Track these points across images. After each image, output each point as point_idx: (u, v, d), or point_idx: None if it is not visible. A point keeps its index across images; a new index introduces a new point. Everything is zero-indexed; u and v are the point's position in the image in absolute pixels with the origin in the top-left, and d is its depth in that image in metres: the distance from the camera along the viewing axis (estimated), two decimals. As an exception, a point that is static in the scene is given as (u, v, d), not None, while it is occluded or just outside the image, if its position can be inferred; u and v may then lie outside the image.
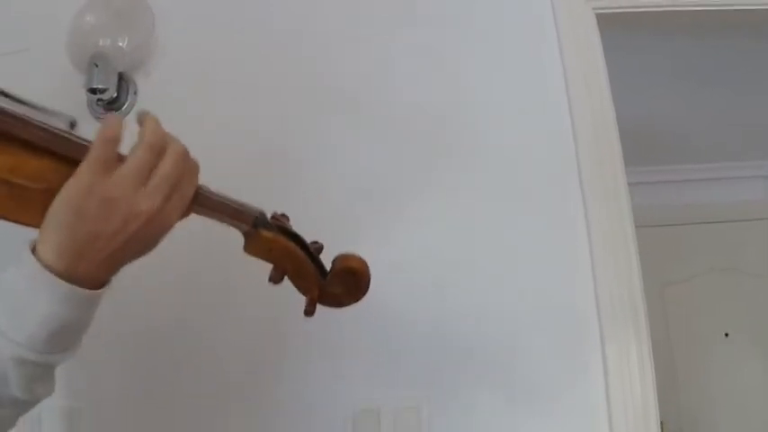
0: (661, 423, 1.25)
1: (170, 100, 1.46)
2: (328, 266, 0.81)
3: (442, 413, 1.26)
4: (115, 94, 1.42)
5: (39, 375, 0.65)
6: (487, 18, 1.48)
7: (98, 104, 1.43)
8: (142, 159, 0.64)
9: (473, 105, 1.43)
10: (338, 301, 0.82)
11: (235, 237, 0.77)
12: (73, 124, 0.80)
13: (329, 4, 1.52)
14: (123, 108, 1.44)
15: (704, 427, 3.43)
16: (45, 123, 0.66)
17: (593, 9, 1.49)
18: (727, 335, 3.55)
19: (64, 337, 0.64)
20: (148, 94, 1.47)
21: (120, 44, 1.42)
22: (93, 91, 1.38)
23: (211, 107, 1.45)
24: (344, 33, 1.50)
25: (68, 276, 0.62)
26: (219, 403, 1.29)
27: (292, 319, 1.28)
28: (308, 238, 0.81)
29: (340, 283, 0.80)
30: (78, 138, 0.68)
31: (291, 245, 0.76)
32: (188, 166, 0.68)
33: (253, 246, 0.74)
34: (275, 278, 0.76)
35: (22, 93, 1.42)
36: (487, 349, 1.28)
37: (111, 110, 1.43)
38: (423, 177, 1.39)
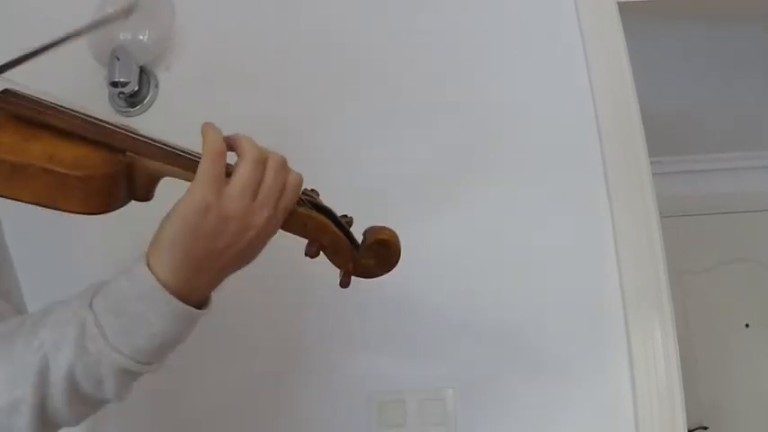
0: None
1: (191, 93, 1.47)
2: (358, 238, 0.83)
3: (468, 399, 1.26)
4: (136, 88, 1.43)
5: (131, 382, 0.67)
6: (508, 8, 1.47)
7: (120, 98, 1.44)
8: (251, 175, 0.66)
9: (494, 97, 1.42)
10: (371, 272, 0.83)
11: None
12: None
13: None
14: (145, 101, 1.45)
15: (725, 418, 3.42)
16: (77, 111, 0.68)
17: (615, -2, 1.48)
18: (747, 325, 3.53)
19: (166, 351, 0.67)
20: (170, 87, 1.48)
21: (141, 38, 1.42)
22: (114, 84, 1.39)
23: (232, 100, 1.45)
24: (369, 24, 1.49)
25: (182, 294, 0.65)
26: (244, 391, 1.31)
27: (317, 307, 1.30)
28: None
29: (373, 255, 0.81)
30: (113, 124, 0.69)
31: (325, 219, 0.77)
32: (289, 177, 0.70)
33: (288, 222, 0.74)
34: (311, 252, 0.77)
35: (44, 88, 1.44)
36: (514, 337, 1.28)
37: (133, 103, 1.45)
38: (448, 170, 1.39)
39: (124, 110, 1.45)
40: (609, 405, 1.24)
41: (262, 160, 0.67)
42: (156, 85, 1.48)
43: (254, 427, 1.30)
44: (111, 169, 0.66)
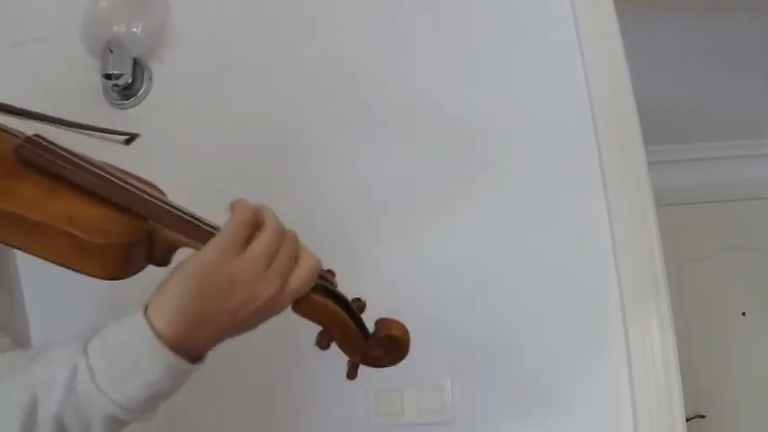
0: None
1: (186, 85, 1.46)
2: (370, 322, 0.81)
3: (466, 389, 1.26)
4: (130, 80, 1.42)
5: (119, 430, 0.67)
6: (504, 6, 1.45)
7: (113, 90, 1.43)
8: (270, 246, 0.66)
9: (489, 95, 1.41)
10: (378, 363, 0.82)
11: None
12: (133, 137, 0.80)
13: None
14: (139, 94, 1.45)
15: (722, 406, 3.43)
16: (102, 168, 0.66)
17: (610, -9, 1.46)
18: (744, 314, 3.54)
19: (155, 402, 0.66)
20: (163, 80, 1.47)
21: (135, 30, 1.42)
22: (108, 77, 1.39)
23: (226, 93, 1.45)
24: (369, 23, 1.47)
25: (177, 347, 0.64)
26: (243, 383, 1.31)
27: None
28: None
29: (381, 348, 0.80)
30: (136, 182, 0.68)
31: (337, 309, 0.76)
32: (306, 259, 0.69)
33: (301, 307, 0.74)
34: (322, 344, 0.77)
35: (38, 81, 1.44)
36: (511, 330, 1.28)
37: (127, 96, 1.44)
38: (445, 168, 1.38)
39: (118, 102, 1.45)
40: (607, 394, 1.24)
41: (281, 234, 0.67)
42: (150, 78, 1.47)
43: (253, 417, 1.30)
44: (132, 237, 0.65)
